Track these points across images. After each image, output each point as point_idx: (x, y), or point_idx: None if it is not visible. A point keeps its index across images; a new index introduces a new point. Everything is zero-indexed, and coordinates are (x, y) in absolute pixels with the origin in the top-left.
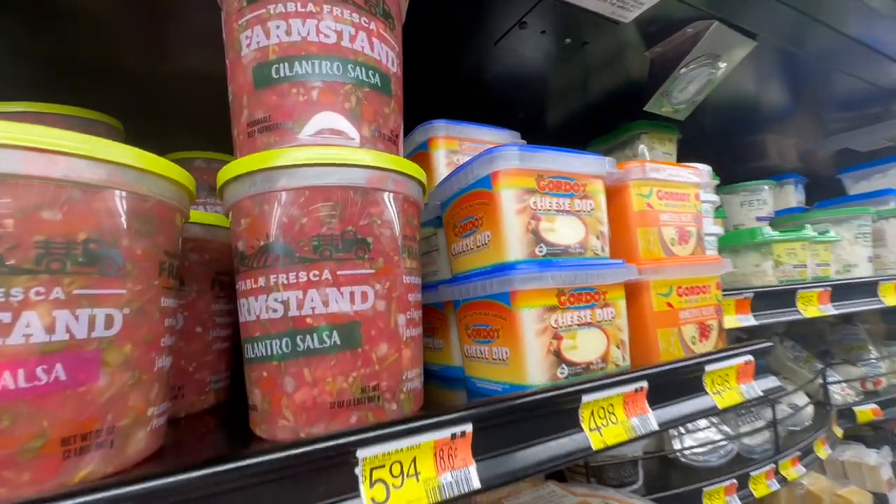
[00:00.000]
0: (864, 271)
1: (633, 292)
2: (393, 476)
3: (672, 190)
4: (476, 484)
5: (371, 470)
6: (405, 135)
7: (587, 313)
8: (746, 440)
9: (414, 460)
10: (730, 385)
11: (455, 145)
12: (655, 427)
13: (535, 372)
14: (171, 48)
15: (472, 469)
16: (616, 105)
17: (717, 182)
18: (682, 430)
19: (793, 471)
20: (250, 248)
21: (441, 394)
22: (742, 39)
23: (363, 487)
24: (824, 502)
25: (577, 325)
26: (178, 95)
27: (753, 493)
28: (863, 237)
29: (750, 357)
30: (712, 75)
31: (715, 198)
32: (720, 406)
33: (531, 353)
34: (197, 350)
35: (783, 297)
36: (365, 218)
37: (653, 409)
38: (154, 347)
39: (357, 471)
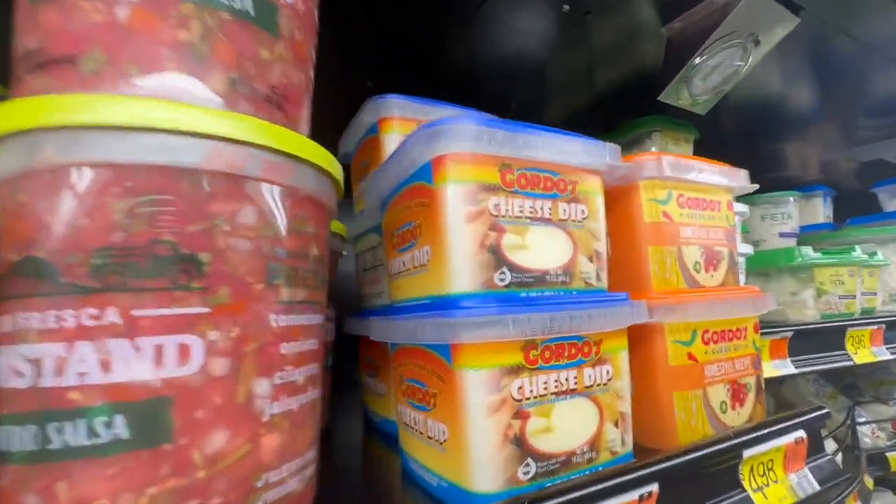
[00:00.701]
0: None
1: (639, 339)
2: None
3: (698, 196)
4: None
5: None
6: (352, 117)
7: (570, 376)
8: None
9: None
10: (775, 476)
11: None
12: None
13: (485, 471)
14: None
15: None
16: (624, 95)
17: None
18: None
19: None
20: None
21: (373, 465)
22: (783, 14)
23: None
24: None
25: (555, 394)
26: None
27: None
28: None
29: (803, 434)
30: (743, 59)
31: (744, 208)
32: None
33: (479, 441)
34: None
35: (829, 336)
36: (199, 221)
37: None
38: None
39: None
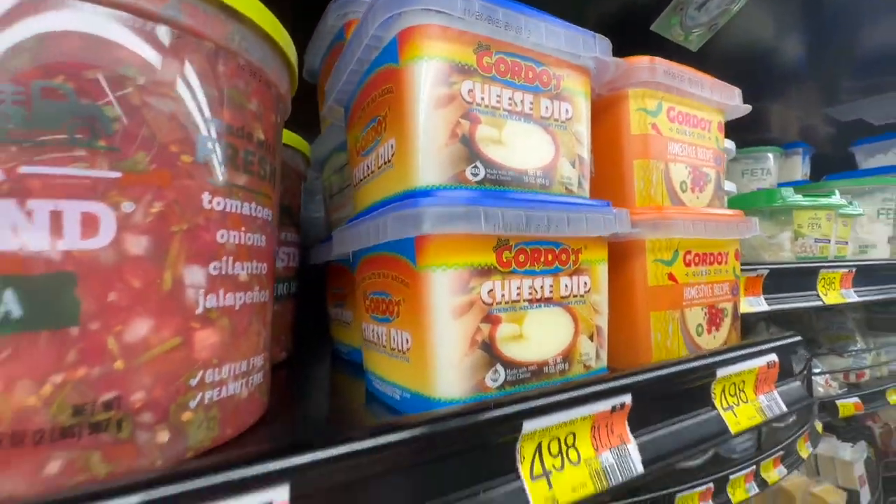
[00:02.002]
0: (882, 253)
1: (619, 255)
2: None
3: (689, 111)
4: None
5: None
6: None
7: (546, 283)
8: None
9: None
10: (746, 397)
11: None
12: (639, 470)
13: (450, 377)
14: None
15: None
16: (613, 28)
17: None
18: None
19: (774, 473)
20: None
21: (337, 389)
22: None
23: None
24: (797, 500)
25: (528, 301)
26: None
27: (731, 498)
28: (885, 213)
29: (775, 357)
30: None
31: (730, 144)
32: (732, 430)
33: (445, 345)
34: None
35: (804, 277)
36: (103, 67)
37: (637, 438)
38: None
39: None
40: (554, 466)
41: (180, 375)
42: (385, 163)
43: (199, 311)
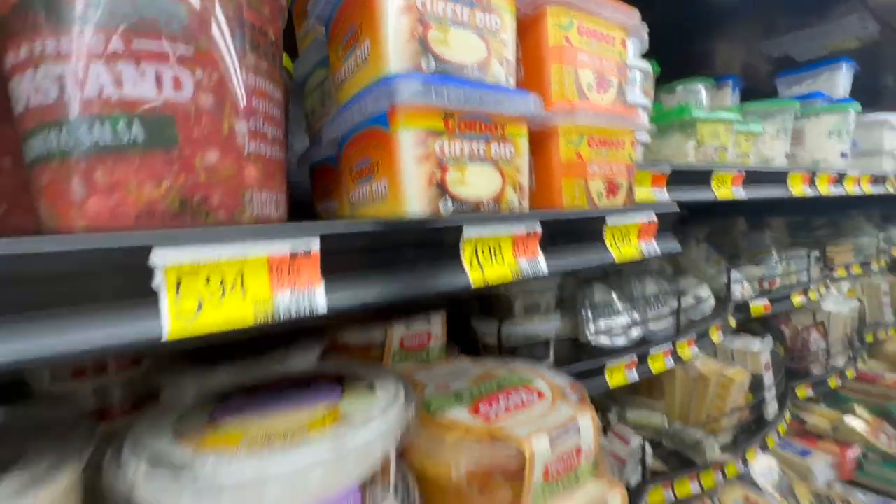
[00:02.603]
0: (779, 165)
1: (540, 138)
2: (209, 287)
3: (595, 28)
4: (322, 306)
5: (179, 278)
6: None
7: (479, 146)
8: (652, 325)
9: (241, 275)
10: (630, 242)
11: None
12: (545, 270)
13: (414, 202)
14: None
15: (320, 290)
16: None
17: (656, 73)
18: (593, 314)
19: (688, 351)
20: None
21: None
22: None
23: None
24: (711, 381)
25: (468, 158)
26: None
27: (651, 368)
28: (784, 132)
29: (654, 216)
30: None
31: (645, 65)
32: (617, 259)
33: (410, 181)
34: None
35: (699, 175)
36: None
37: (546, 255)
38: None
39: (157, 278)
40: (485, 263)
41: (239, 191)
42: (362, 61)
43: (246, 152)
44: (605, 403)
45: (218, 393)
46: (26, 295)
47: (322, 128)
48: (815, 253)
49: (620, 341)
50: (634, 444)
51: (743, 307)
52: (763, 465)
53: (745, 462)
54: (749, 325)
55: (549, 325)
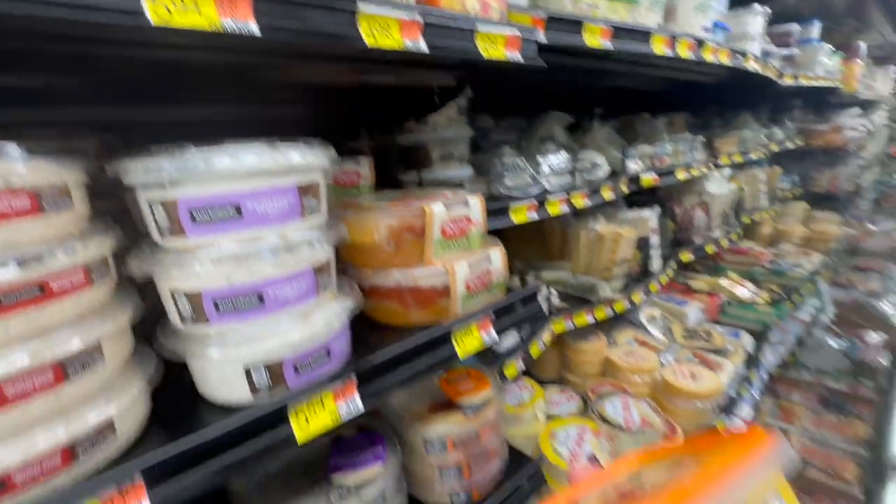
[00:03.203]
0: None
1: None
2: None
3: None
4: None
5: None
6: None
7: None
8: (553, 181)
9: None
10: (497, 48)
11: None
12: (425, 50)
13: None
14: None
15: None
16: None
17: None
18: (504, 173)
19: (581, 201)
20: None
21: None
22: None
23: None
24: (607, 238)
25: None
26: None
27: (549, 212)
28: (657, 5)
29: (517, 32)
30: None
31: None
32: (485, 55)
33: None
34: None
35: (573, 24)
36: None
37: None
38: None
39: None
40: (379, 37)
41: None
42: None
43: None
44: (525, 269)
45: None
46: None
47: None
48: (701, 138)
49: (524, 195)
50: (543, 291)
51: (635, 179)
52: (649, 314)
53: (631, 303)
54: (648, 204)
55: (462, 172)
